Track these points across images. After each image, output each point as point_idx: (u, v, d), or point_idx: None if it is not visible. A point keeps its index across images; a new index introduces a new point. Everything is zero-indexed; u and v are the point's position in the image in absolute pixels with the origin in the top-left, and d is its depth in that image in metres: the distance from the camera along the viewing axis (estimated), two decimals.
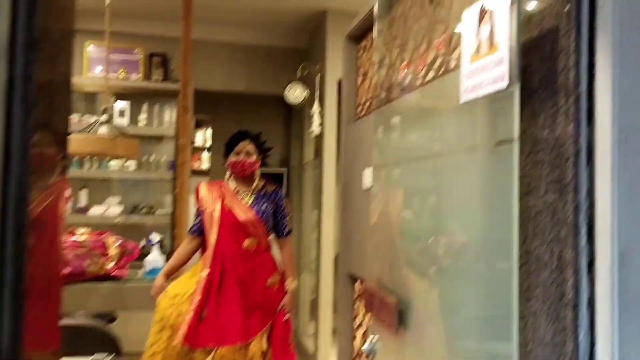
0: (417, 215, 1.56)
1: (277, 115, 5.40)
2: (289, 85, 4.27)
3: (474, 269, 1.26)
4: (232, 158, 2.92)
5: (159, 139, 4.86)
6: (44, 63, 0.83)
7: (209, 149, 5.74)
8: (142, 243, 4.45)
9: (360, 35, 2.83)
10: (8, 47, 0.70)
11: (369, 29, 2.70)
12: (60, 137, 0.98)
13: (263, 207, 2.90)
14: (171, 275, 2.92)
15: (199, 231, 2.95)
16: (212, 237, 2.81)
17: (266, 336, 2.79)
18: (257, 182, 2.97)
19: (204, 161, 5.94)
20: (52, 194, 0.87)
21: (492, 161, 1.24)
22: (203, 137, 5.91)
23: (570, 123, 1.03)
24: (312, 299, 4.46)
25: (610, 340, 0.94)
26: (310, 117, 4.07)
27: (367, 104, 2.70)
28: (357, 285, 2.71)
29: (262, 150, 3.02)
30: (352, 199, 2.77)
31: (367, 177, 2.54)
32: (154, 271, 3.29)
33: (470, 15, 1.27)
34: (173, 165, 4.45)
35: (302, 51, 4.83)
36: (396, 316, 1.55)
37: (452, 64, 1.66)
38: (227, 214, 2.83)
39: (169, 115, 4.70)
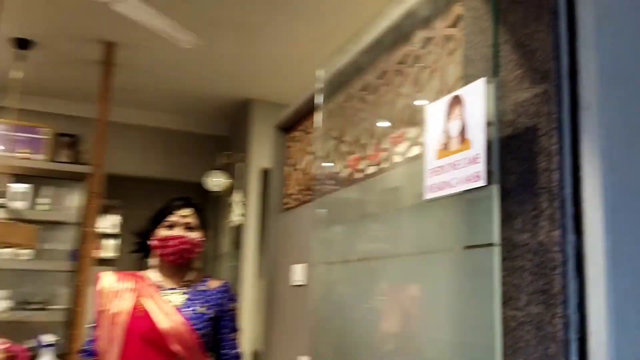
0: (375, 319, 1.41)
1: None
2: (208, 173, 4.09)
3: None
4: (164, 232, 1.91)
5: (64, 225, 4.43)
6: None
7: (116, 237, 5.33)
8: (31, 344, 3.91)
9: (290, 125, 2.77)
10: None
11: (300, 119, 2.65)
12: None
13: (200, 311, 1.89)
14: None
15: (93, 353, 1.88)
16: (112, 357, 1.80)
17: None
18: (195, 274, 1.99)
19: (107, 249, 5.50)
20: None
21: (463, 265, 1.14)
22: (109, 223, 5.52)
23: (556, 229, 0.95)
24: None
25: None
26: (230, 206, 3.89)
27: (297, 195, 2.59)
28: None
29: (206, 227, 2.04)
30: (279, 294, 2.58)
31: (297, 273, 2.37)
32: None
33: (435, 110, 1.21)
34: (73, 255, 4.03)
35: (222, 139, 4.71)
36: None
37: (397, 159, 1.60)
38: (139, 320, 1.83)
39: (73, 200, 4.32)
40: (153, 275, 1.95)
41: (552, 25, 1.02)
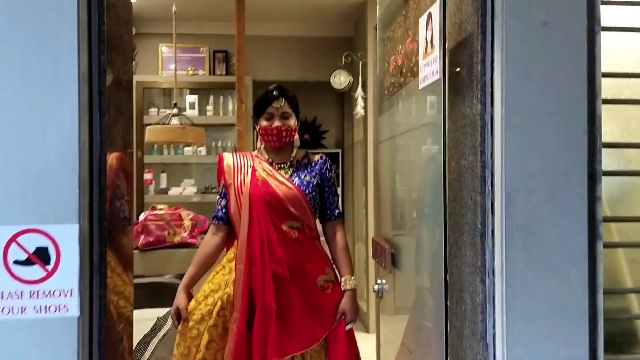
0: (396, 181, 1.97)
1: (330, 100, 5.84)
2: (333, 73, 4.70)
3: (429, 217, 1.67)
4: (264, 123, 2.24)
5: (226, 126, 5.46)
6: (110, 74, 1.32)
7: None
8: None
9: (388, 22, 3.20)
10: (87, 75, 1.20)
11: (394, 17, 3.06)
12: (124, 124, 1.49)
13: (307, 179, 2.25)
14: (193, 286, 2.31)
15: (226, 217, 2.29)
16: (244, 218, 2.18)
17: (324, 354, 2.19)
18: (297, 151, 2.34)
19: None
20: (117, 163, 1.38)
21: (438, 134, 1.62)
22: None
23: (479, 104, 1.41)
24: (365, 267, 4.91)
25: (501, 257, 1.33)
26: (355, 100, 4.48)
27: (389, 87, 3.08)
28: None
29: (298, 110, 2.34)
30: (381, 172, 3.18)
31: None
32: None
33: (422, 21, 1.66)
34: (236, 150, 5.01)
35: (347, 40, 5.24)
36: (389, 258, 1.97)
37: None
38: (259, 188, 2.20)
39: (232, 105, 5.27)
40: (263, 154, 2.30)
41: None
